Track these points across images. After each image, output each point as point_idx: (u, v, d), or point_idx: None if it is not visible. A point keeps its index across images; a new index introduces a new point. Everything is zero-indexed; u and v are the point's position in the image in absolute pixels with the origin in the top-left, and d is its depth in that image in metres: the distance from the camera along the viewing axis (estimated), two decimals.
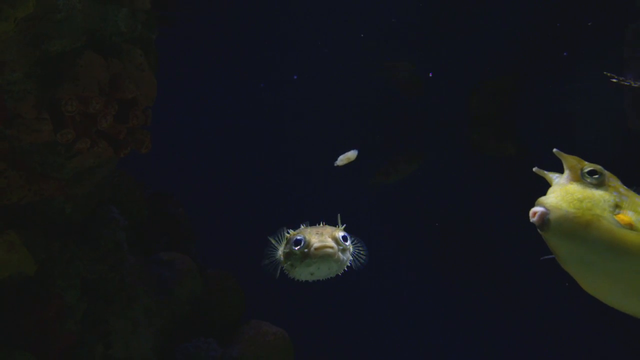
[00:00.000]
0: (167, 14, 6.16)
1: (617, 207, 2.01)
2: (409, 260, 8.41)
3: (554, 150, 2.13)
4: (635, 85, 2.75)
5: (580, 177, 2.07)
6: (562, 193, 2.02)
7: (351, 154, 3.29)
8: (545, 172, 2.17)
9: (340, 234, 2.63)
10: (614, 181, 2.09)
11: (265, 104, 8.52)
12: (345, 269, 2.74)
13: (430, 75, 7.93)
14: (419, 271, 8.34)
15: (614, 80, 2.85)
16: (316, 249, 2.52)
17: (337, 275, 2.77)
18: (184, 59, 7.46)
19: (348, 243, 2.65)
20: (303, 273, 2.61)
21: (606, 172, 2.09)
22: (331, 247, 2.53)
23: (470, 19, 6.54)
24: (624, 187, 2.11)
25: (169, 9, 6.07)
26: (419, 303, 8.41)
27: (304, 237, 2.57)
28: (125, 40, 3.35)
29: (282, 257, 2.74)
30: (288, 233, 2.71)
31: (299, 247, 2.56)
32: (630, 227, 1.95)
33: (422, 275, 8.28)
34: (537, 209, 2.01)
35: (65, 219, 4.01)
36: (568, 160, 2.12)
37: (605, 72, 2.86)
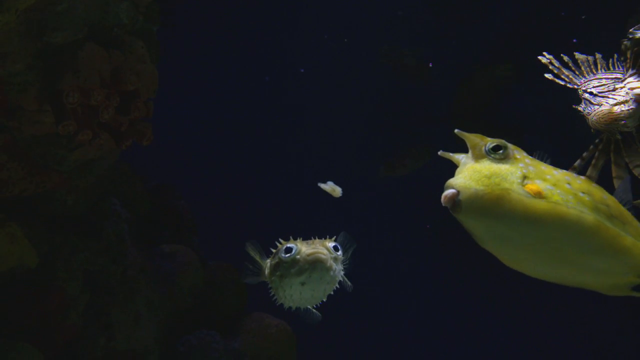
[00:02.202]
0: (168, 7, 6.14)
1: (525, 178, 1.99)
2: (412, 256, 8.39)
3: (455, 130, 2.11)
4: (570, 86, 2.60)
5: (485, 154, 2.05)
6: (470, 172, 2.01)
7: (337, 190, 3.29)
8: (450, 154, 2.15)
9: (331, 244, 2.62)
10: (519, 153, 2.08)
11: (269, 97, 8.49)
12: (337, 285, 2.73)
13: (431, 65, 7.88)
14: (421, 267, 8.32)
15: (548, 76, 2.58)
16: (308, 254, 2.50)
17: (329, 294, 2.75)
18: (186, 50, 7.43)
19: (339, 253, 2.64)
20: (293, 284, 2.56)
21: (510, 145, 2.08)
22: (323, 254, 2.52)
23: (477, 6, 6.49)
24: (530, 157, 2.10)
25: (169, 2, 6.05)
26: (421, 299, 8.39)
27: (295, 245, 2.56)
28: (127, 32, 3.34)
29: (266, 271, 2.73)
30: (280, 243, 2.69)
31: (289, 254, 2.54)
32: (539, 195, 1.95)
33: (425, 271, 8.26)
34: (446, 192, 1.99)
35: (67, 211, 4.00)
36: (470, 139, 2.10)
37: (541, 56, 2.55)
